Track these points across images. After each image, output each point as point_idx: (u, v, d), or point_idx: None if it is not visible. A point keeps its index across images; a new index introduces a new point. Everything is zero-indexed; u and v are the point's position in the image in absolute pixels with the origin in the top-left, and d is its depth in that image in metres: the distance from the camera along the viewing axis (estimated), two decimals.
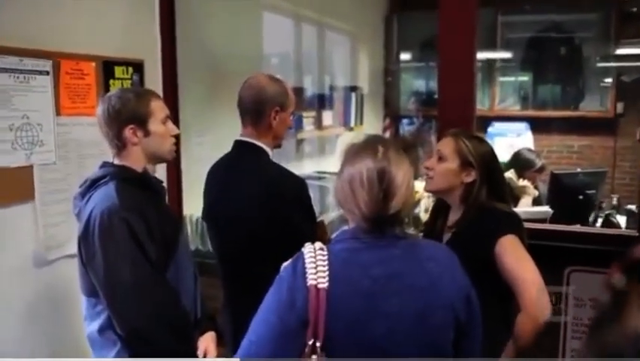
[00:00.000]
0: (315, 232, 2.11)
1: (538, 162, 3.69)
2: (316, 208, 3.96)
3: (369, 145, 1.40)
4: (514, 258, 1.74)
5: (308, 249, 1.36)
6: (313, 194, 4.20)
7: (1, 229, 2.18)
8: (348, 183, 1.37)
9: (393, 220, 1.37)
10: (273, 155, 2.14)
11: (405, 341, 1.33)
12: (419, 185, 3.18)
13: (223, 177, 2.12)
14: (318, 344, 1.28)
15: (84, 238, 1.71)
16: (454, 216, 1.96)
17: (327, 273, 1.31)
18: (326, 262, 1.32)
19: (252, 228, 2.01)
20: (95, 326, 1.77)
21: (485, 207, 1.87)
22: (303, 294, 1.29)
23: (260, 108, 2.03)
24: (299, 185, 2.06)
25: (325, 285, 1.29)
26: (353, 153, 1.40)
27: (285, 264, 1.43)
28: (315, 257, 1.33)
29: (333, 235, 1.46)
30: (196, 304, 1.93)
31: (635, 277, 0.38)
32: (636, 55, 5.49)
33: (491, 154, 1.96)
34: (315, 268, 1.31)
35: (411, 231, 3.10)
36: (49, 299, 2.36)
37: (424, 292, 1.35)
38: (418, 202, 4.53)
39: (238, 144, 2.11)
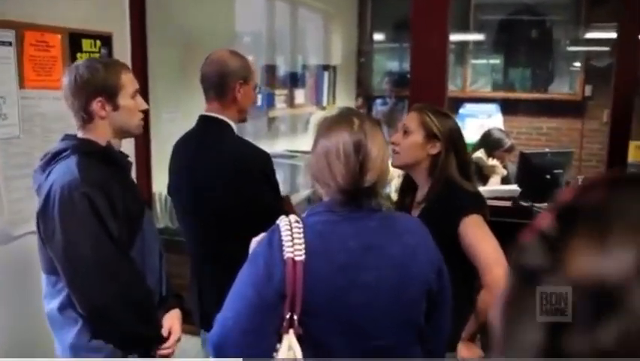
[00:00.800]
0: (282, 206, 2.11)
1: (508, 142, 3.72)
2: (287, 187, 3.98)
3: (345, 118, 1.39)
4: (477, 237, 1.76)
5: (284, 222, 1.35)
6: (284, 172, 4.23)
7: None
8: (324, 156, 1.36)
9: (369, 193, 1.37)
10: (240, 130, 2.16)
11: (381, 313, 1.34)
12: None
13: (188, 152, 2.11)
14: (295, 317, 1.28)
15: (43, 214, 1.65)
16: (421, 193, 1.98)
17: (303, 245, 1.30)
18: (302, 235, 1.31)
19: (217, 203, 2.00)
20: (54, 303, 1.72)
21: (451, 183, 1.89)
22: (280, 267, 1.28)
23: (223, 81, 2.03)
24: (264, 159, 2.06)
25: (302, 257, 1.29)
26: (327, 126, 1.39)
27: (255, 238, 1.42)
28: (291, 230, 1.32)
29: (306, 210, 1.45)
30: (161, 282, 1.91)
31: (570, 221, 0.37)
32: (605, 39, 5.57)
33: (456, 128, 1.98)
34: (292, 240, 1.30)
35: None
36: (14, 275, 2.32)
37: (399, 265, 1.36)
38: (389, 182, 4.57)
39: (202, 119, 2.10)
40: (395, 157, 1.98)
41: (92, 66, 1.73)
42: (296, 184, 4.11)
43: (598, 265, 0.38)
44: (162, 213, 3.11)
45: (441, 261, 1.44)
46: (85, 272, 1.64)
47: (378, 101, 5.92)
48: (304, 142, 4.58)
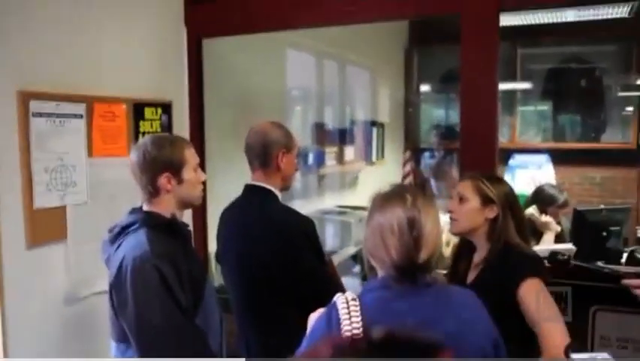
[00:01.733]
0: (327, 270, 2.15)
1: (561, 198, 3.67)
2: (337, 242, 4.01)
3: (397, 193, 1.43)
4: (537, 302, 1.76)
5: (341, 299, 1.37)
6: (335, 228, 4.26)
7: (36, 267, 2.25)
8: (379, 232, 1.39)
9: (424, 268, 1.39)
10: (291, 189, 2.24)
11: None
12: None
13: (234, 219, 2.20)
14: None
15: (116, 284, 1.74)
16: (479, 256, 2.00)
17: (360, 323, 1.32)
18: (359, 312, 1.34)
19: (261, 269, 2.07)
20: None
21: (510, 246, 1.90)
22: None
23: (267, 151, 2.13)
24: (306, 225, 2.12)
25: (361, 335, 1.31)
26: (381, 202, 1.43)
27: (312, 315, 1.46)
28: (348, 307, 1.35)
29: (362, 286, 1.48)
30: (222, 345, 1.96)
31: None
32: None
33: (510, 191, 2.02)
34: (349, 318, 1.32)
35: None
36: (79, 334, 2.41)
37: (454, 339, 1.35)
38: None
39: (248, 188, 2.19)
40: (454, 224, 2.03)
41: (159, 143, 1.84)
42: (345, 239, 4.14)
43: None
44: (217, 272, 3.18)
45: (496, 333, 1.44)
46: (156, 340, 1.71)
47: (426, 154, 5.94)
48: (353, 198, 4.63)
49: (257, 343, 2.15)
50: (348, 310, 1.34)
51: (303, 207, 4.10)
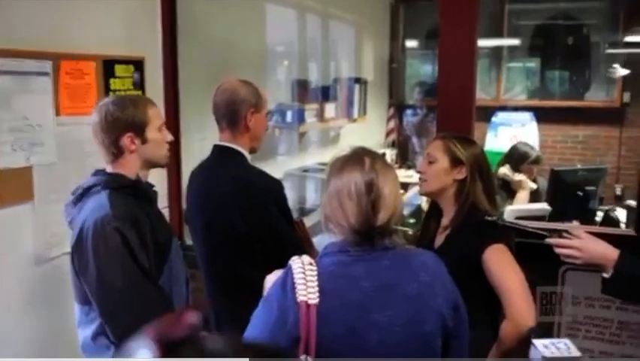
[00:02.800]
0: (295, 231, 2.15)
1: (533, 154, 3.67)
2: (318, 199, 3.99)
3: (356, 157, 1.41)
4: (501, 266, 1.78)
5: (297, 264, 1.37)
6: (315, 185, 4.25)
7: (2, 228, 2.22)
8: (336, 196, 1.38)
9: (382, 231, 1.38)
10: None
11: (396, 352, 1.35)
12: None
13: (202, 181, 2.17)
14: (309, 360, 1.30)
15: (77, 248, 1.74)
16: (447, 219, 2.00)
17: (316, 288, 1.32)
18: (315, 277, 1.33)
19: (229, 231, 2.06)
20: (88, 332, 1.80)
21: (477, 210, 1.91)
22: (294, 311, 1.30)
23: (235, 110, 2.08)
24: (275, 187, 2.11)
25: (316, 301, 1.30)
26: (339, 166, 1.41)
27: (269, 277, 1.45)
28: (304, 272, 1.34)
29: (320, 249, 1.47)
30: (187, 304, 1.97)
31: None
32: None
33: (480, 153, 2.02)
34: (305, 283, 1.32)
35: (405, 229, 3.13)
36: (50, 294, 2.41)
37: (414, 302, 1.37)
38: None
39: (216, 149, 2.15)
40: (422, 185, 2.03)
41: (121, 103, 1.82)
42: None
43: None
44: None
45: (457, 295, 1.45)
46: (117, 302, 1.71)
47: (409, 111, 5.90)
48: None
49: (225, 311, 2.14)
50: (304, 276, 1.34)
51: (285, 164, 4.09)
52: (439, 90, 2.54)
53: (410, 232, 3.55)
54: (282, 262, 1.62)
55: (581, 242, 1.69)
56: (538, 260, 1.87)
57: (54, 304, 2.41)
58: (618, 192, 5.00)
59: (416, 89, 5.90)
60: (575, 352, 1.43)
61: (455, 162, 1.94)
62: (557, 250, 1.73)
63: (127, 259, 1.70)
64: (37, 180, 2.34)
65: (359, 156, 1.41)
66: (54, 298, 2.41)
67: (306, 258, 1.39)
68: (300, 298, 1.31)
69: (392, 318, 1.34)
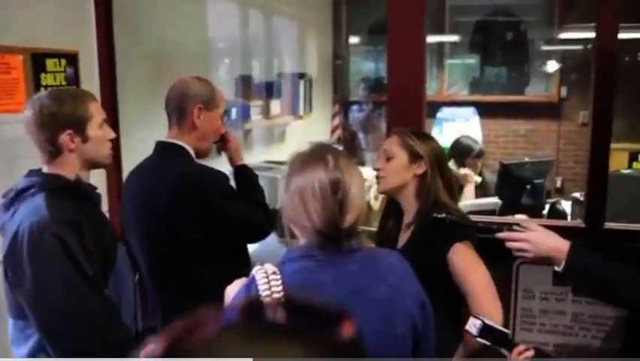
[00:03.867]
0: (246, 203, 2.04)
1: (477, 147, 3.69)
2: (268, 199, 3.89)
3: (317, 154, 1.33)
4: (467, 266, 1.73)
5: (260, 274, 1.27)
6: (263, 185, 4.14)
7: None
8: (298, 195, 1.29)
9: (349, 233, 1.30)
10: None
11: (369, 356, 1.27)
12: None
13: (139, 180, 2.05)
14: None
15: (10, 257, 1.57)
16: (409, 217, 1.93)
17: (282, 300, 1.23)
18: (280, 288, 1.24)
19: (170, 230, 1.94)
20: (23, 350, 1.63)
21: (440, 206, 1.85)
22: None
23: (182, 105, 1.98)
24: (222, 180, 1.99)
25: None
26: (300, 164, 1.33)
27: (229, 288, 1.35)
28: (269, 282, 1.25)
29: (283, 255, 1.37)
30: (137, 317, 1.83)
31: None
32: (578, 39, 5.59)
33: (439, 147, 1.97)
34: (270, 295, 1.23)
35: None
36: None
37: (384, 305, 1.31)
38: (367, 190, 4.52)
39: (158, 145, 2.04)
40: (381, 182, 1.95)
41: (58, 97, 1.65)
42: (272, 195, 4.03)
43: None
44: None
45: (423, 295, 1.40)
46: (59, 317, 1.56)
47: (355, 107, 5.86)
48: (281, 153, 4.51)
49: (174, 310, 2.02)
50: (269, 286, 1.24)
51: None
52: (388, 85, 2.48)
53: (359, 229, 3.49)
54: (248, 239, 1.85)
55: (532, 235, 1.64)
56: (493, 256, 1.83)
57: None
58: (558, 184, 5.12)
59: (361, 85, 5.87)
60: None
61: (414, 156, 1.88)
62: (508, 245, 1.67)
63: (68, 267, 1.54)
64: None
65: (321, 153, 1.33)
66: None
67: (269, 267, 1.29)
68: None
69: (362, 323, 1.26)
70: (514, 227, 1.69)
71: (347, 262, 1.31)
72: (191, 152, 2.00)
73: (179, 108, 1.98)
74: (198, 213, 1.91)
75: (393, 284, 1.33)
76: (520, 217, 2.67)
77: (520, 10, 6.03)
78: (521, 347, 1.46)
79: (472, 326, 1.47)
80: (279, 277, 1.26)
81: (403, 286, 1.35)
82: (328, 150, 1.34)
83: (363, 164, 5.20)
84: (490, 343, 1.48)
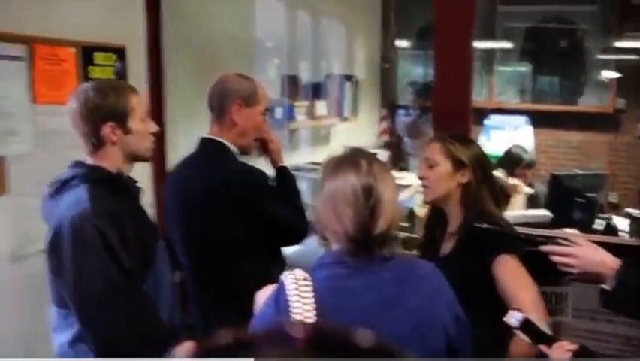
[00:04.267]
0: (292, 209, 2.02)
1: (527, 157, 3.59)
2: (309, 200, 3.86)
3: (351, 159, 1.30)
4: (513, 280, 1.67)
5: (290, 279, 1.24)
6: (306, 185, 4.12)
7: None
8: (331, 201, 1.26)
9: (381, 240, 1.26)
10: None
11: None
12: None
13: (183, 175, 2.04)
14: None
15: (53, 246, 1.58)
16: (453, 225, 1.87)
17: (313, 306, 1.19)
18: (311, 294, 1.21)
19: (213, 226, 1.93)
20: (65, 337, 1.64)
21: (485, 215, 1.78)
22: None
23: (222, 101, 1.98)
24: (263, 178, 1.98)
25: (312, 320, 1.18)
26: (333, 168, 1.29)
27: (259, 294, 1.32)
28: (298, 288, 1.21)
29: (315, 261, 1.33)
30: (174, 313, 1.81)
31: None
32: (637, 49, 5.37)
33: (482, 152, 1.91)
34: (300, 300, 1.20)
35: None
36: (23, 293, 2.24)
37: (417, 315, 1.27)
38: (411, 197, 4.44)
39: (200, 142, 2.03)
40: (426, 192, 1.90)
41: (101, 90, 1.66)
42: (317, 196, 3.99)
43: None
44: None
45: (458, 307, 1.35)
46: (97, 307, 1.56)
47: (401, 112, 5.77)
48: (325, 155, 4.47)
49: (213, 310, 2.01)
50: (298, 292, 1.21)
51: None
52: (434, 90, 2.42)
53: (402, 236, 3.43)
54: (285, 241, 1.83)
55: (579, 250, 1.55)
56: (538, 270, 1.74)
57: (31, 304, 2.24)
58: (613, 199, 4.90)
59: (409, 89, 5.79)
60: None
61: (458, 164, 1.82)
62: (553, 258, 1.59)
63: (107, 259, 1.54)
64: (12, 172, 2.17)
65: (354, 158, 1.29)
66: (31, 297, 2.24)
67: (299, 273, 1.26)
68: (296, 317, 1.18)
69: (395, 333, 1.21)
70: (560, 241, 1.61)
71: (379, 270, 1.27)
72: (233, 149, 1.98)
73: (219, 104, 1.98)
74: (239, 210, 1.89)
75: (427, 294, 1.30)
76: (569, 231, 2.56)
77: (575, 17, 5.83)
78: (564, 343, 1.38)
79: (512, 318, 1.41)
80: (309, 283, 1.23)
81: (436, 296, 1.31)
82: (362, 155, 1.32)
83: (407, 169, 5.12)
84: (529, 338, 1.41)
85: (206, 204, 1.91)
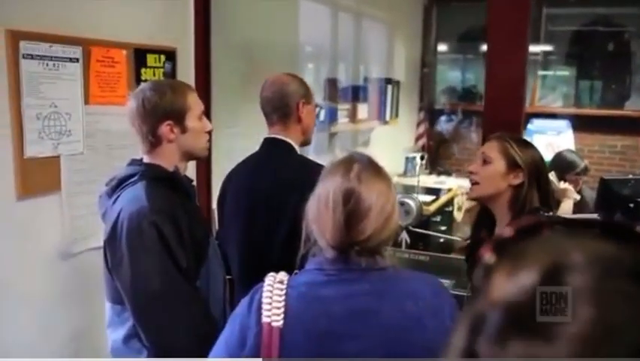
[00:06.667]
0: None
1: (581, 164, 3.50)
2: None
3: (346, 162, 1.25)
4: None
5: (268, 281, 1.22)
6: None
7: (27, 219, 2.11)
8: (316, 204, 1.22)
9: (362, 249, 1.19)
10: (303, 151, 2.13)
11: None
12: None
13: (247, 173, 2.08)
14: None
15: (111, 242, 1.61)
16: (500, 227, 1.84)
17: (282, 310, 1.17)
18: (282, 297, 1.18)
19: (275, 219, 1.94)
20: (119, 334, 1.67)
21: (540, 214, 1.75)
22: (255, 332, 1.16)
23: (286, 102, 2.02)
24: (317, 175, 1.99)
25: (280, 323, 1.16)
26: (327, 170, 1.26)
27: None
28: (272, 291, 1.20)
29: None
30: (225, 311, 1.83)
31: (502, 252, 0.52)
32: None
33: (539, 157, 1.85)
34: (271, 303, 1.18)
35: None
36: (73, 291, 2.30)
37: (395, 333, 1.18)
38: (448, 203, 4.40)
39: (265, 141, 2.08)
40: (474, 188, 1.86)
41: (159, 89, 1.69)
42: None
43: (506, 290, 0.46)
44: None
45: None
46: (152, 305, 1.59)
47: (443, 118, 5.72)
48: None
49: None
50: (271, 294, 1.19)
51: None
52: (486, 97, 2.37)
53: (442, 239, 3.40)
54: None
55: None
56: None
57: (80, 302, 2.30)
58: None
59: (444, 95, 5.73)
60: None
61: (512, 165, 1.78)
62: None
63: (164, 256, 1.57)
64: (65, 171, 2.22)
65: (349, 161, 1.24)
66: (80, 295, 2.30)
67: (282, 275, 1.24)
68: (265, 319, 1.16)
69: (366, 349, 1.16)
70: None
71: (359, 281, 1.20)
72: (296, 146, 2.04)
73: (282, 105, 2.01)
74: (296, 204, 1.89)
75: (411, 312, 1.20)
76: None
77: (622, 20, 5.69)
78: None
79: None
80: (283, 286, 1.21)
81: (424, 317, 1.19)
82: (358, 159, 1.25)
83: (450, 174, 5.08)
84: None
85: (280, 200, 1.92)
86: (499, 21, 2.27)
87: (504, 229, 0.72)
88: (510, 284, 0.46)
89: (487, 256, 0.53)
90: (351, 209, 1.17)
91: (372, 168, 1.25)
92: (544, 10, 5.66)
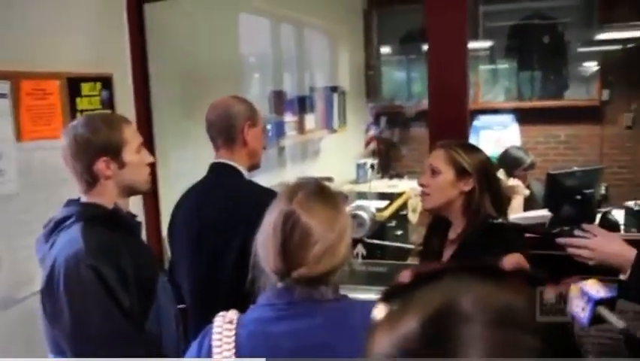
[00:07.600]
0: None
1: (528, 160, 3.57)
2: None
3: (292, 188, 1.21)
4: None
5: (217, 322, 1.18)
6: None
7: None
8: (262, 229, 1.19)
9: (304, 277, 1.15)
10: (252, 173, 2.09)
11: None
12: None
13: (193, 200, 2.03)
14: None
15: (47, 291, 1.52)
16: (455, 232, 1.86)
17: (232, 351, 1.13)
18: (232, 338, 1.15)
19: (224, 247, 1.90)
20: None
21: (490, 221, 1.76)
22: None
23: (231, 124, 1.98)
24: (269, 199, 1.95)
25: None
26: (277, 197, 1.22)
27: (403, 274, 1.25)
28: (222, 332, 1.16)
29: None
30: (179, 347, 1.76)
31: (392, 300, 0.57)
32: (618, 39, 5.40)
33: (486, 159, 1.88)
34: (221, 346, 1.14)
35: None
36: (21, 339, 2.17)
37: None
38: (402, 207, 4.42)
39: (211, 167, 2.03)
40: (426, 200, 1.88)
41: (92, 124, 1.61)
42: None
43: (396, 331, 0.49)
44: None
45: None
46: (95, 351, 1.50)
47: (384, 119, 5.74)
48: (315, 169, 4.44)
49: None
50: (221, 336, 1.15)
51: (264, 181, 3.88)
52: (430, 95, 2.38)
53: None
54: None
55: (593, 241, 1.57)
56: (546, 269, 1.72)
57: (24, 353, 2.17)
58: (603, 190, 4.89)
59: (369, 104, 5.78)
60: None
61: (461, 172, 1.80)
62: (569, 250, 1.60)
63: (105, 301, 1.49)
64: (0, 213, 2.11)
65: (296, 187, 1.21)
66: (24, 345, 2.17)
67: (229, 314, 1.20)
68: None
69: None
70: (575, 232, 1.62)
71: (311, 314, 1.17)
72: (244, 171, 2.00)
73: (227, 128, 1.97)
74: (246, 230, 1.86)
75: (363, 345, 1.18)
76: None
77: (557, 12, 5.86)
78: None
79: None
80: (233, 326, 1.17)
81: None
82: (304, 186, 1.21)
83: (402, 176, 5.10)
84: None
85: (227, 227, 1.88)
86: (437, 22, 2.29)
87: (403, 273, 0.75)
88: (397, 328, 0.49)
89: (375, 312, 0.55)
90: (289, 233, 1.14)
91: (319, 195, 1.21)
92: (481, 7, 5.77)
